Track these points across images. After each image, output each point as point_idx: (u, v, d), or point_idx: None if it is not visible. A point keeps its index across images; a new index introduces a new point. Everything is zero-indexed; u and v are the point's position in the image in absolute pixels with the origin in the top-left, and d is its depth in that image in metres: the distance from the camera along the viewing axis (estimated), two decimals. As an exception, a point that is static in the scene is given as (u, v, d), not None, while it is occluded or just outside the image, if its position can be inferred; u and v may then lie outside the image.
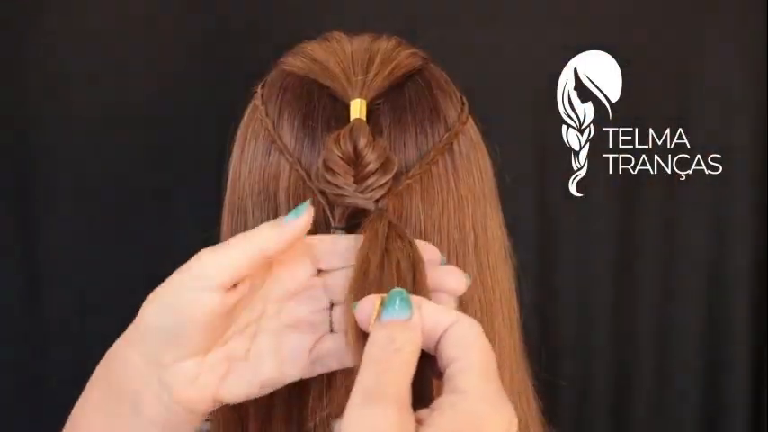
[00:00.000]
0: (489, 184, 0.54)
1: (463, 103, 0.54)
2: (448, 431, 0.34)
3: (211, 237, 0.58)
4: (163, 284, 0.44)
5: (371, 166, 0.47)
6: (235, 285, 0.44)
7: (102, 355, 0.47)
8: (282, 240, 0.43)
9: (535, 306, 1.03)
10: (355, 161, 0.47)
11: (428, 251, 0.45)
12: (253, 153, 0.52)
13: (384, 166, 0.47)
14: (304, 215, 0.44)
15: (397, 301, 0.38)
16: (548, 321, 1.05)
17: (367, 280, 0.42)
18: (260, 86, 0.55)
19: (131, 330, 0.45)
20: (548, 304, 1.05)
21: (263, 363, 0.46)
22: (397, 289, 0.39)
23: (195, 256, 0.44)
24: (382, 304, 0.38)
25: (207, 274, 0.43)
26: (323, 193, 0.48)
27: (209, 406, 0.45)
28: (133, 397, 0.44)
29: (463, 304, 0.51)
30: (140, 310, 0.45)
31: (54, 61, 0.98)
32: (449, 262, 0.48)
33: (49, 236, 1.00)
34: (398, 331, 0.37)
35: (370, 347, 0.36)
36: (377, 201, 0.47)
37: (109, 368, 0.46)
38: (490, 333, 0.52)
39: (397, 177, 0.48)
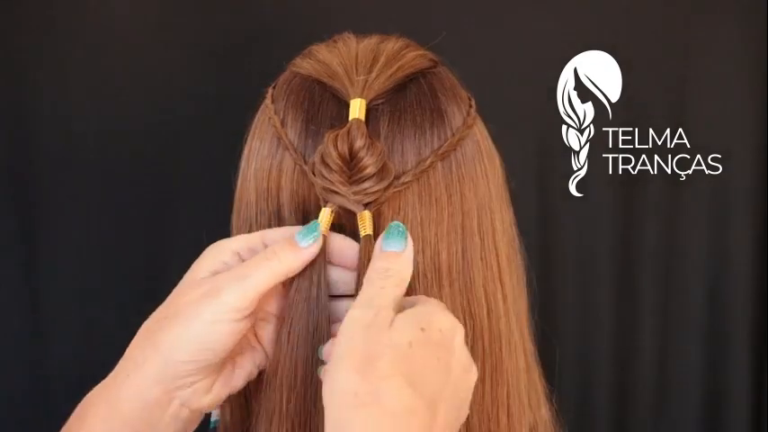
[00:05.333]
0: (497, 186, 0.53)
1: (470, 106, 0.53)
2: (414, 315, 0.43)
3: (211, 237, 0.58)
4: (177, 315, 0.45)
5: (369, 170, 0.47)
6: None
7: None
8: (299, 265, 0.46)
9: (535, 306, 1.03)
10: (350, 162, 0.47)
11: None
12: (259, 153, 0.52)
13: (381, 173, 0.47)
14: (320, 240, 0.46)
15: (395, 234, 0.45)
16: (548, 321, 1.05)
17: None
18: (271, 87, 0.55)
19: (136, 368, 0.45)
20: (548, 304, 1.05)
21: (259, 350, 0.50)
22: (395, 222, 0.46)
23: (213, 285, 0.45)
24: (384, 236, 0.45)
25: (230, 306, 0.44)
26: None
27: (221, 402, 0.49)
28: (148, 423, 0.46)
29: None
30: (148, 344, 0.45)
31: (56, 61, 0.98)
32: (450, 264, 0.50)
33: (48, 236, 1.00)
34: (392, 262, 0.45)
35: (370, 272, 0.44)
36: (366, 204, 0.48)
37: (113, 407, 0.46)
38: (496, 334, 0.52)
39: (393, 181, 0.48)
